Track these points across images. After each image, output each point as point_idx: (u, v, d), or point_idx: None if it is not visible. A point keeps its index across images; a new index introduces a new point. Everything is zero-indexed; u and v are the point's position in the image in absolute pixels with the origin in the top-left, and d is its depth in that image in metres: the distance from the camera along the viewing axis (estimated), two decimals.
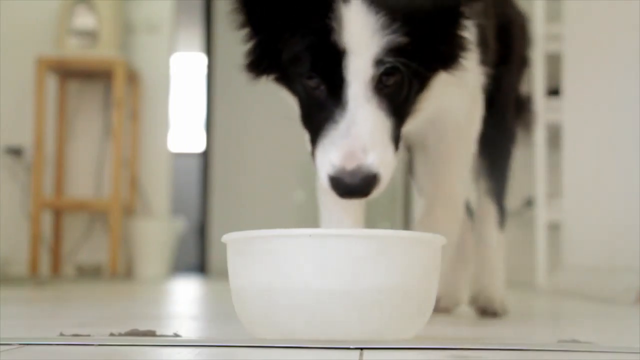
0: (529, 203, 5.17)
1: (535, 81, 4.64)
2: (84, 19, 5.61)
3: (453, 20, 1.52)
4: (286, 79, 1.53)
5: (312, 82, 1.45)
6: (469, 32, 1.57)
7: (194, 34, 8.53)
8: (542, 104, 4.68)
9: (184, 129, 9.33)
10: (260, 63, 1.54)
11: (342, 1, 1.40)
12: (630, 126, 3.21)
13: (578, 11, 3.94)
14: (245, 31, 1.55)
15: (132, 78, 5.95)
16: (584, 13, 3.85)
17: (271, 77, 1.55)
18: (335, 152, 1.38)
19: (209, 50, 8.02)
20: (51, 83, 5.79)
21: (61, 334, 1.30)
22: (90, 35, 5.62)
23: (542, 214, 4.75)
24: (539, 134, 4.69)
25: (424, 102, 1.55)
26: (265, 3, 1.49)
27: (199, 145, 8.62)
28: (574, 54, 4.01)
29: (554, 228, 4.62)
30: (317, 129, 1.44)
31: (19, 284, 4.27)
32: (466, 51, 1.54)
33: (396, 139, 1.46)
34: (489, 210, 2.21)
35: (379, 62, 1.40)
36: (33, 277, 5.21)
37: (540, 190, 4.77)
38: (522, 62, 2.35)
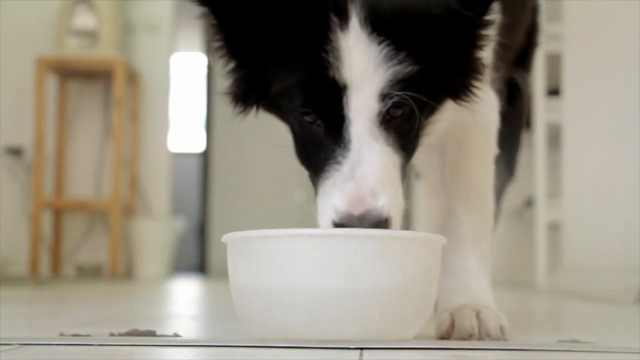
0: (529, 203, 5.17)
1: (536, 81, 4.64)
2: (84, 19, 5.61)
3: (466, 46, 1.35)
4: (278, 110, 1.38)
5: (308, 118, 1.30)
6: (485, 58, 1.40)
7: (194, 34, 8.53)
8: (542, 104, 4.68)
9: (184, 129, 9.33)
10: (248, 96, 1.38)
11: (339, 30, 1.25)
12: (630, 126, 3.21)
13: (578, 11, 3.94)
14: (229, 64, 1.39)
15: (132, 78, 5.95)
16: (584, 13, 3.85)
17: (261, 108, 1.41)
18: (339, 197, 1.24)
19: (209, 50, 8.03)
20: (51, 83, 5.79)
21: (61, 334, 1.30)
22: (90, 35, 5.62)
23: (542, 214, 4.75)
24: (539, 134, 4.69)
25: (432, 127, 1.41)
26: (250, 34, 1.32)
27: (199, 145, 8.62)
28: (574, 54, 4.01)
29: (554, 228, 4.62)
30: (316, 168, 1.30)
31: (19, 284, 4.27)
32: (480, 81, 1.38)
33: (404, 173, 1.33)
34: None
35: (384, 96, 1.26)
36: (33, 277, 5.21)
37: (540, 190, 4.77)
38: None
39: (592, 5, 3.73)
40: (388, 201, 1.24)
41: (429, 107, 1.34)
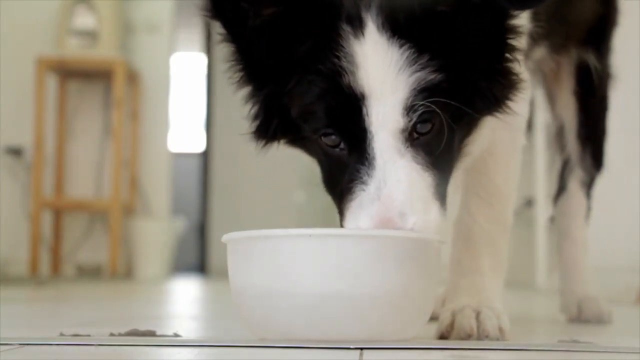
0: (529, 203, 5.16)
1: None
2: (84, 19, 5.61)
3: (499, 49, 1.24)
4: (301, 140, 1.31)
5: (330, 140, 1.21)
6: (521, 64, 1.28)
7: (194, 34, 8.53)
8: (542, 104, 4.67)
9: (184, 129, 9.33)
10: (269, 127, 1.31)
11: (353, 37, 1.18)
12: (630, 126, 3.21)
13: None
14: (246, 89, 1.31)
15: (132, 78, 5.95)
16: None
17: (284, 141, 1.33)
18: (365, 219, 1.17)
19: (209, 50, 8.03)
20: (51, 83, 5.79)
21: (61, 334, 1.30)
22: (90, 35, 5.62)
23: (542, 214, 4.75)
24: (539, 134, 4.69)
25: (474, 144, 1.31)
26: (264, 50, 1.24)
27: (199, 145, 8.62)
28: None
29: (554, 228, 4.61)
30: (343, 193, 1.22)
31: (19, 284, 4.27)
32: (516, 90, 1.27)
33: (443, 193, 1.23)
34: (580, 203, 2.13)
35: (409, 109, 1.17)
36: (33, 277, 5.21)
37: (540, 190, 4.76)
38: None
39: None
40: (420, 221, 1.16)
41: (463, 120, 1.24)
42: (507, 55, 1.24)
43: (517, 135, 1.55)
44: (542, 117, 4.67)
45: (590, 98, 2.11)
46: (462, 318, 1.35)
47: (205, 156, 8.17)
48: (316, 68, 1.19)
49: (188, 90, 9.34)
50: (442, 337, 1.36)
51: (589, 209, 2.16)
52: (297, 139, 1.32)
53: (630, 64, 3.21)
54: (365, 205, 1.17)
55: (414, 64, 1.16)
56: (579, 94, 2.11)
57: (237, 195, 7.84)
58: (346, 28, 1.18)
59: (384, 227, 1.16)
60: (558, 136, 2.19)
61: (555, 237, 2.19)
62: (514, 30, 1.24)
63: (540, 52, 1.72)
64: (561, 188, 2.17)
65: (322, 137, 1.22)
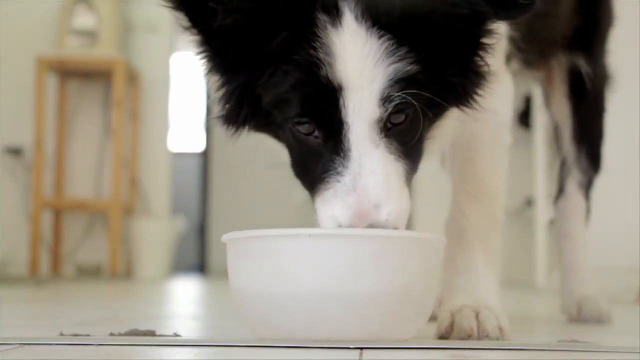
0: (529, 203, 5.17)
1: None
2: (84, 19, 5.61)
3: (473, 47, 1.25)
4: (271, 127, 1.30)
5: (304, 128, 1.21)
6: (494, 63, 1.28)
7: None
8: (541, 104, 4.67)
9: (184, 129, 9.33)
10: (239, 114, 1.28)
11: (331, 26, 1.16)
12: (630, 126, 3.21)
13: None
14: (216, 78, 1.29)
15: (132, 78, 5.95)
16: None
17: (253, 127, 1.32)
18: (341, 210, 1.17)
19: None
20: (51, 83, 5.79)
21: (61, 334, 1.30)
22: (90, 35, 5.62)
23: (542, 214, 4.75)
24: (539, 134, 4.69)
25: (436, 132, 1.32)
26: (236, 40, 1.21)
27: (199, 145, 8.62)
28: None
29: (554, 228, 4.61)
30: (315, 180, 1.22)
31: (19, 284, 4.27)
32: (483, 88, 1.28)
33: (411, 181, 1.25)
34: (579, 205, 2.13)
35: (386, 100, 1.17)
36: (33, 277, 5.21)
37: (540, 190, 4.77)
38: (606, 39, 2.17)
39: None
40: (393, 213, 1.17)
41: (433, 112, 1.25)
42: (480, 53, 1.25)
43: (501, 132, 1.55)
44: (542, 117, 4.68)
45: (584, 101, 2.12)
46: (462, 318, 1.35)
47: (205, 156, 8.17)
48: (292, 59, 1.17)
49: (188, 90, 9.33)
50: (442, 337, 1.36)
51: (588, 210, 2.16)
52: (266, 126, 1.30)
53: (631, 64, 3.21)
54: (340, 195, 1.18)
55: (392, 56, 1.16)
56: (571, 96, 2.12)
57: (237, 195, 7.84)
58: (323, 18, 1.17)
59: (359, 217, 1.16)
60: (555, 137, 2.19)
61: (555, 238, 2.20)
62: (489, 32, 1.24)
63: (514, 66, 1.71)
64: (560, 190, 2.18)
65: (296, 125, 1.22)
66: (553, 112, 2.16)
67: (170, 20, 6.24)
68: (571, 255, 2.14)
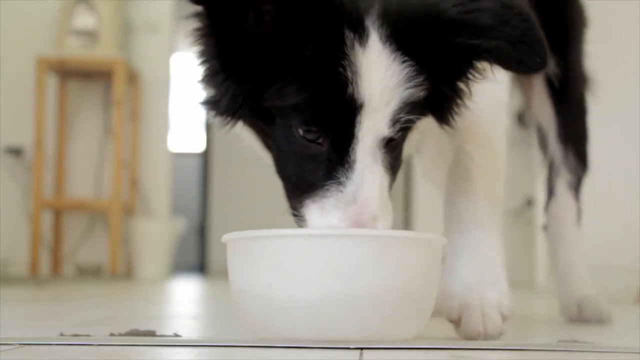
0: (529, 203, 5.17)
1: None
2: (84, 19, 5.61)
3: (467, 70, 1.29)
4: (263, 121, 1.29)
5: (310, 135, 1.23)
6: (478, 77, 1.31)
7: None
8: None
9: (184, 129, 9.33)
10: (237, 110, 1.29)
11: (358, 44, 1.18)
12: (630, 126, 3.21)
13: None
14: (215, 72, 1.28)
15: (132, 78, 5.95)
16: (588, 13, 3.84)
17: (242, 119, 1.32)
18: (340, 220, 1.20)
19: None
20: (51, 83, 5.79)
21: (61, 334, 1.30)
22: (90, 35, 5.62)
23: (542, 214, 4.75)
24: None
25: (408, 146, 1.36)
26: (252, 48, 1.22)
27: (199, 145, 8.62)
28: None
29: None
30: (310, 186, 1.24)
31: (19, 284, 4.27)
32: (461, 109, 1.32)
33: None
34: (570, 206, 2.14)
35: (395, 120, 1.21)
36: (33, 277, 5.21)
37: (540, 190, 4.77)
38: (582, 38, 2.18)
39: (592, 6, 3.72)
40: (386, 225, 1.22)
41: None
42: (470, 76, 1.29)
43: (499, 109, 1.55)
44: None
45: (564, 102, 2.12)
46: (469, 319, 1.36)
47: (205, 156, 8.17)
48: (315, 71, 1.19)
49: (188, 90, 9.33)
50: (452, 322, 1.38)
51: (579, 210, 2.17)
52: (257, 122, 1.30)
53: (631, 64, 3.21)
54: (341, 206, 1.20)
55: (410, 81, 1.20)
56: (551, 98, 2.13)
57: (237, 195, 7.84)
58: (350, 35, 1.19)
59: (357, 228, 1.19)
60: (540, 140, 2.20)
61: (549, 241, 2.20)
62: (485, 58, 1.27)
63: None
64: (550, 193, 2.19)
65: (303, 131, 1.23)
66: (535, 115, 2.17)
67: (170, 20, 6.25)
68: (566, 256, 2.14)
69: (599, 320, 2.01)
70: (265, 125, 1.29)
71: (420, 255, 1.20)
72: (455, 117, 1.32)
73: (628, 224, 3.22)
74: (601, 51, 3.61)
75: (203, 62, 1.28)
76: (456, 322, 1.38)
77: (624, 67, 3.33)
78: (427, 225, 4.50)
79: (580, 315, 2.03)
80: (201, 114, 8.39)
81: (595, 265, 3.36)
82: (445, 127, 1.33)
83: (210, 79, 1.29)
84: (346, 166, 1.21)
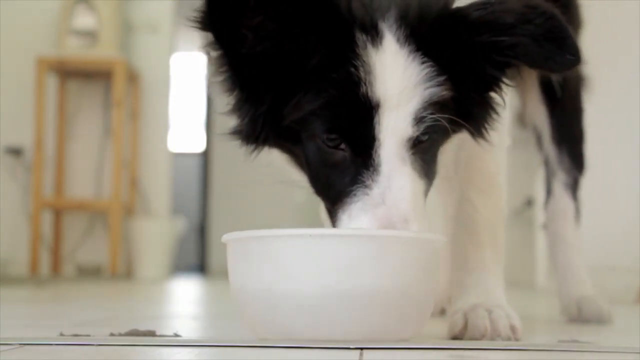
0: (529, 203, 5.17)
1: None
2: (84, 19, 5.61)
3: (495, 81, 1.29)
4: (287, 144, 1.30)
5: (331, 142, 1.22)
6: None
7: (194, 34, 8.52)
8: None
9: (184, 129, 9.33)
10: (259, 133, 1.29)
11: (371, 45, 1.19)
12: (630, 126, 3.21)
13: None
14: (237, 99, 1.28)
15: (132, 78, 5.95)
16: (585, 15, 3.84)
17: (269, 144, 1.32)
18: (370, 221, 1.18)
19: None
20: (51, 83, 5.79)
21: (61, 334, 1.30)
22: (90, 35, 5.62)
23: (542, 214, 4.74)
24: None
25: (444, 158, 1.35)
26: (265, 66, 1.22)
27: (199, 145, 8.62)
28: None
29: None
30: (339, 194, 1.23)
31: (19, 284, 4.27)
32: (493, 121, 1.32)
33: (426, 199, 1.27)
34: (567, 206, 2.14)
35: (419, 120, 1.20)
36: (33, 277, 5.21)
37: (540, 190, 4.76)
38: None
39: (592, 6, 3.72)
40: (419, 228, 1.19)
41: (450, 134, 1.29)
42: (498, 88, 1.30)
43: (502, 133, 1.55)
44: None
45: (559, 102, 2.12)
46: (476, 318, 1.36)
47: (205, 156, 8.17)
48: (328, 76, 1.19)
49: (188, 90, 9.34)
50: (455, 338, 1.36)
51: (577, 210, 2.17)
52: (285, 142, 1.30)
53: (631, 64, 3.21)
54: (369, 208, 1.18)
55: (431, 81, 1.20)
56: (545, 99, 2.13)
57: (237, 195, 7.84)
58: (362, 37, 1.19)
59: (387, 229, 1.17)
60: (536, 140, 2.20)
61: (548, 241, 2.20)
62: (509, 56, 1.26)
63: None
64: (548, 193, 2.19)
65: (324, 139, 1.22)
66: (529, 115, 2.17)
67: (170, 20, 6.25)
68: (565, 256, 2.14)
69: (599, 320, 2.01)
70: (293, 145, 1.29)
71: (420, 255, 1.20)
72: (487, 128, 1.32)
73: (628, 224, 3.22)
74: (601, 51, 3.62)
75: (226, 92, 1.29)
76: (461, 333, 1.37)
77: (624, 67, 3.33)
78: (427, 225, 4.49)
79: (580, 315, 2.04)
80: (201, 114, 8.40)
81: (595, 265, 3.36)
82: (480, 140, 1.33)
83: (233, 107, 1.30)
84: (371, 169, 1.20)
